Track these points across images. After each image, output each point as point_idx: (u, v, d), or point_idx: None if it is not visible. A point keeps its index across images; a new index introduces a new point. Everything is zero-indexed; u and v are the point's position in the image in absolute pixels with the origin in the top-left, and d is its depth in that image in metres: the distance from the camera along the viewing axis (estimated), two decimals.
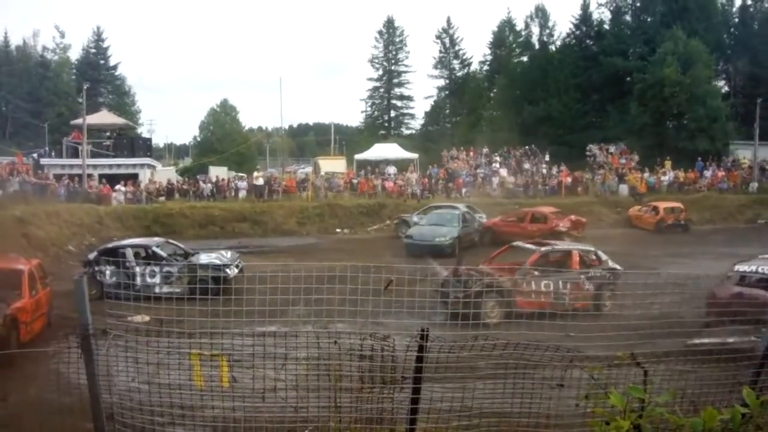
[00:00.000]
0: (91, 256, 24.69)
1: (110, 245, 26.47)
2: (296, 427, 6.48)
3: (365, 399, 6.23)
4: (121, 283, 18.83)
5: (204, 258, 24.79)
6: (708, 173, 53.96)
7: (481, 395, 5.83)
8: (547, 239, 32.20)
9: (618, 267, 21.05)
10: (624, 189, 50.86)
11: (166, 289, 22.62)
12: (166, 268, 23.41)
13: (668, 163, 55.33)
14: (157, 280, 23.21)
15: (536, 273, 18.89)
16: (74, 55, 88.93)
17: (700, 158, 56.54)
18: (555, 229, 35.22)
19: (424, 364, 5.63)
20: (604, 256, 21.82)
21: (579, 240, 33.31)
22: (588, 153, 60.43)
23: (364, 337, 6.31)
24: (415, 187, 50.75)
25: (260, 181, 50.37)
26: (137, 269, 23.20)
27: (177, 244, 26.86)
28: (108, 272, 23.10)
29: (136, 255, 24.43)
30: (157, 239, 27.15)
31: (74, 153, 53.16)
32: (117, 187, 47.70)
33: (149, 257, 24.24)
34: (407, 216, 40.95)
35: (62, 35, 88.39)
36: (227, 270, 23.03)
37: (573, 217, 37.90)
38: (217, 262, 23.98)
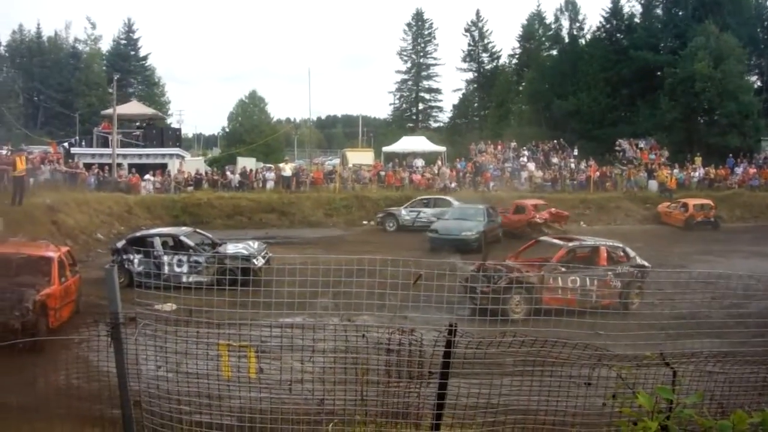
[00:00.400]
0: (120, 244, 24.90)
1: (138, 234, 26.68)
2: (321, 419, 6.50)
3: (391, 393, 6.23)
4: (149, 272, 18.99)
5: (231, 248, 24.90)
6: (739, 170, 53.37)
7: (507, 392, 5.81)
8: (526, 229, 35.29)
9: (646, 264, 20.90)
10: (653, 185, 50.44)
11: (193, 278, 22.71)
12: (193, 258, 23.54)
13: (698, 159, 54.72)
14: (185, 269, 23.35)
15: (563, 269, 18.81)
16: (105, 46, 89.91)
17: (731, 154, 55.92)
18: (532, 220, 36.71)
19: (452, 359, 5.62)
20: (632, 253, 21.67)
21: (561, 231, 35.20)
22: (617, 148, 59.99)
23: (392, 331, 6.31)
24: (447, 180, 50.57)
25: (287, 172, 50.44)
26: (165, 258, 23.35)
27: (204, 234, 27.02)
28: (136, 261, 23.33)
29: (164, 244, 24.59)
30: (184, 229, 27.31)
31: (104, 143, 53.59)
32: (146, 176, 48.18)
33: (177, 246, 24.40)
34: (395, 209, 41.01)
35: (93, 26, 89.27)
36: (254, 260, 23.10)
37: (553, 209, 38.89)
38: (244, 252, 24.05)
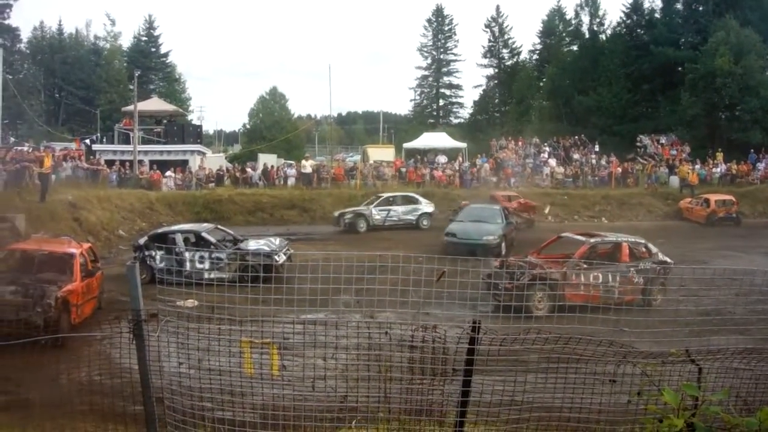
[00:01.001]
0: (142, 240, 25.01)
1: (160, 230, 26.79)
2: (344, 416, 6.50)
3: (415, 390, 6.23)
4: (170, 269, 19.08)
5: (253, 244, 24.93)
6: (761, 165, 52.98)
7: (530, 389, 5.79)
8: None
9: (669, 260, 20.80)
10: (675, 180, 50.17)
11: (215, 274, 22.77)
12: (215, 254, 23.58)
13: (720, 155, 54.38)
14: (206, 265, 23.40)
15: (585, 265, 18.74)
16: (125, 43, 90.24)
17: (752, 150, 55.51)
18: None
19: (475, 356, 5.60)
20: (654, 249, 21.55)
21: (531, 221, 38.97)
22: (638, 144, 59.79)
23: (414, 328, 6.31)
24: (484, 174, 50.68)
25: (308, 169, 50.53)
26: (186, 254, 23.40)
27: (226, 230, 27.08)
28: (158, 257, 23.44)
29: (186, 240, 24.64)
30: (206, 225, 27.35)
31: (125, 139, 53.97)
32: (167, 173, 48.45)
33: (198, 243, 24.47)
34: (363, 209, 39.68)
35: (113, 23, 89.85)
36: (275, 257, 23.14)
37: (522, 200, 40.73)
38: (266, 248, 24.08)
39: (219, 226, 27.52)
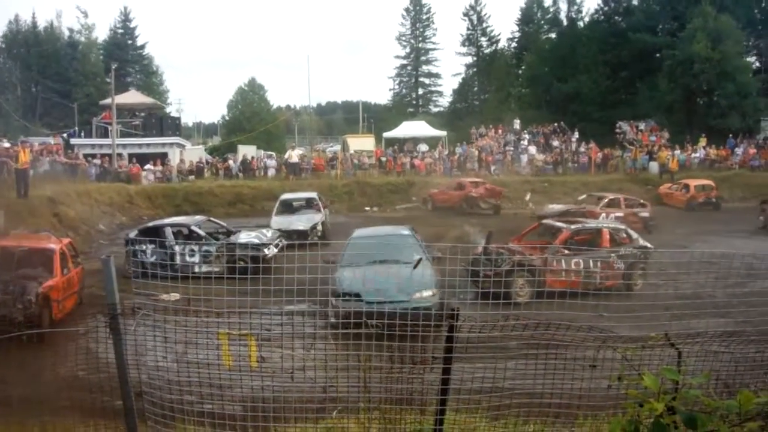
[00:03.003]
0: (132, 234, 24.89)
1: (150, 224, 26.67)
2: (325, 407, 6.48)
3: (395, 379, 6.22)
4: (160, 262, 18.99)
5: (243, 237, 24.85)
6: (739, 150, 53.29)
7: (511, 375, 5.79)
8: (463, 204, 39.03)
9: (649, 245, 20.90)
10: (654, 166, 50.43)
11: (205, 268, 22.67)
12: (204, 248, 23.48)
13: (703, 140, 54.66)
14: (196, 259, 23.29)
15: (566, 251, 18.81)
16: (101, 35, 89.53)
17: (731, 135, 55.91)
18: (468, 194, 40.59)
19: (455, 344, 5.59)
20: (634, 234, 21.68)
21: (498, 207, 40.11)
22: (617, 130, 60.08)
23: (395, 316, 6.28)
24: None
25: (294, 159, 50.53)
26: (177, 248, 23.29)
27: (219, 223, 27.07)
28: (148, 251, 23.28)
29: (177, 234, 24.52)
30: (197, 218, 27.26)
31: (104, 133, 53.61)
32: (147, 166, 48.30)
33: (189, 236, 24.36)
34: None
35: (85, 15, 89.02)
36: (265, 249, 23.06)
37: (488, 185, 41.82)
38: (256, 241, 24.03)
39: (212, 219, 27.44)
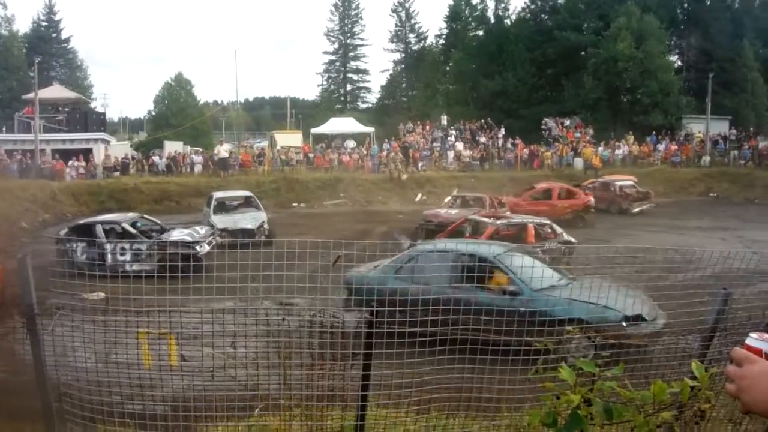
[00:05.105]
0: (63, 232, 24.35)
1: (81, 221, 26.11)
2: (250, 405, 6.42)
3: (316, 376, 6.19)
4: (79, 262, 18.58)
5: (176, 234, 24.45)
6: (661, 147, 54.61)
7: (434, 371, 5.80)
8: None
9: (573, 240, 21.22)
10: (579, 163, 51.24)
11: (136, 266, 22.22)
12: (135, 246, 23.03)
13: (630, 138, 55.73)
14: (128, 257, 22.82)
15: None
16: (24, 28, 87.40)
17: (653, 132, 57.20)
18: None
19: (374, 340, 5.59)
20: (559, 229, 21.98)
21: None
22: (543, 127, 60.88)
23: (313, 314, 6.26)
24: (399, 167, 49.28)
25: (224, 154, 49.94)
26: (107, 246, 22.81)
27: (153, 220, 26.56)
28: (79, 249, 22.73)
29: (110, 231, 24.04)
30: (131, 215, 26.72)
31: (26, 128, 52.36)
32: (70, 162, 47.36)
33: (122, 234, 23.88)
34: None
35: (4, 6, 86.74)
36: (197, 247, 22.70)
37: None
38: (188, 238, 23.62)
39: (145, 216, 27.00)
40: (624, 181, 40.08)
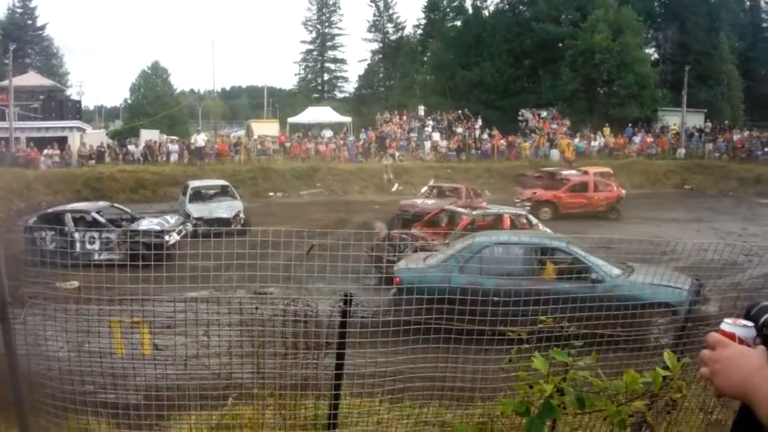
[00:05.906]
0: (31, 221, 24.15)
1: (50, 210, 25.92)
2: (223, 394, 6.41)
3: (289, 365, 6.17)
4: (48, 250, 18.41)
5: (145, 223, 24.33)
6: (637, 139, 54.84)
7: (408, 360, 5.80)
8: None
9: (549, 231, 21.28)
10: (555, 154, 51.38)
11: (105, 255, 22.06)
12: (104, 235, 22.89)
13: (607, 130, 56.01)
14: (96, 246, 22.68)
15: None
16: None
17: (629, 124, 57.45)
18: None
19: (348, 329, 5.58)
20: (534, 220, 22.06)
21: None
22: (520, 118, 60.94)
23: (287, 303, 6.24)
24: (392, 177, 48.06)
25: (200, 143, 49.77)
26: (76, 235, 22.65)
27: (123, 209, 26.43)
28: (48, 238, 22.52)
29: (79, 220, 23.89)
30: (100, 204, 26.62)
31: (0, 116, 51.86)
32: (45, 150, 46.99)
33: (91, 223, 23.75)
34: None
35: None
36: (166, 236, 22.58)
37: None
38: (157, 228, 23.51)
39: (115, 204, 26.83)
40: (570, 171, 40.03)
